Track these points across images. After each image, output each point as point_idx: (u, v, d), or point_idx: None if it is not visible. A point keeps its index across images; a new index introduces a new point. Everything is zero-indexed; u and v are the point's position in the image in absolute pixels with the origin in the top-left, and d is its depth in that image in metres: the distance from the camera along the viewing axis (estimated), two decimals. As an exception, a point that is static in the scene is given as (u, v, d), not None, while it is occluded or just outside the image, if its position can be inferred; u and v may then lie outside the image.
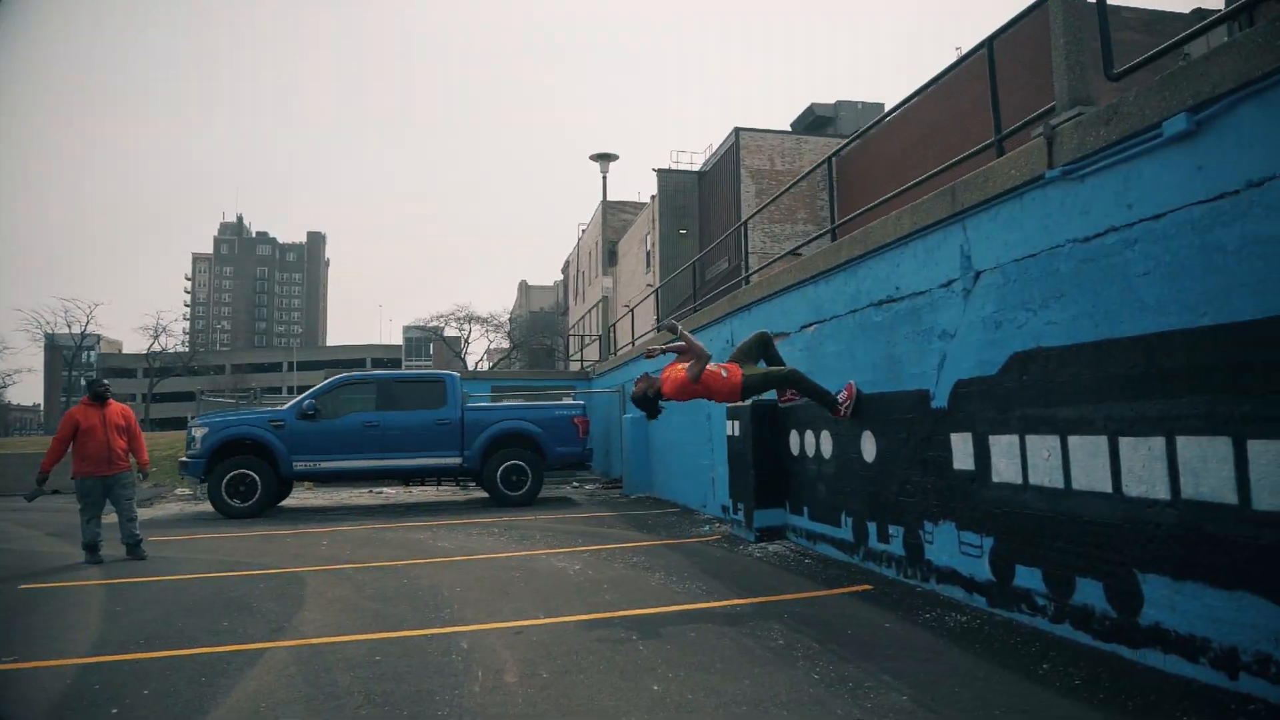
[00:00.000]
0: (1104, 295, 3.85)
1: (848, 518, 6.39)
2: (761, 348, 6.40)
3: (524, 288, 72.16)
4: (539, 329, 53.50)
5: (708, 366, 5.82)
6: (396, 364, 77.04)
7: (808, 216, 26.63)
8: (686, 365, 5.81)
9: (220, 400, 18.85)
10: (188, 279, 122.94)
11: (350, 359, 77.59)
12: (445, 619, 5.10)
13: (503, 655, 4.27)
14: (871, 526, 6.03)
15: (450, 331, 58.41)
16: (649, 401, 5.96)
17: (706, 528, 8.87)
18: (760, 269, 10.35)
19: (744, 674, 3.85)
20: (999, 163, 4.50)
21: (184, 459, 11.33)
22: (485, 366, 56.13)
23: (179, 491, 15.13)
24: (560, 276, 59.26)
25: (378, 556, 7.58)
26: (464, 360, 57.28)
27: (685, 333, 5.91)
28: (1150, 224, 3.58)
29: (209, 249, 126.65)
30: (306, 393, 11.94)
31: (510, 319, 58.39)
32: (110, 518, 7.69)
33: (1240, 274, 3.18)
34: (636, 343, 14.65)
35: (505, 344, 56.59)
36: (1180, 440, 3.47)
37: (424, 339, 72.50)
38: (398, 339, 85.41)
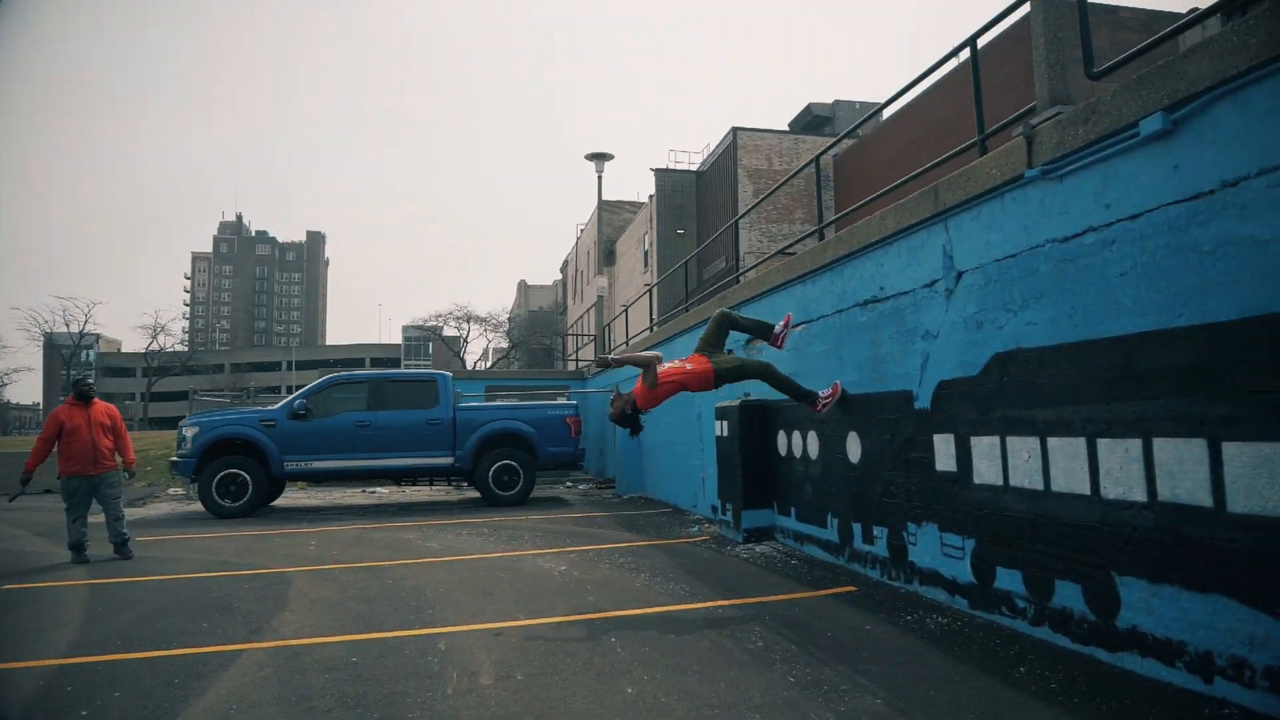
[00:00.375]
0: (1082, 296, 3.82)
1: (833, 519, 6.37)
2: (729, 325, 6.39)
3: (523, 287, 72.12)
4: (538, 328, 53.52)
5: (669, 364, 5.91)
6: (396, 363, 76.93)
7: (805, 216, 26.61)
8: (643, 381, 5.89)
9: (214, 399, 18.81)
10: (187, 278, 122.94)
11: (349, 358, 77.58)
12: (426, 620, 5.08)
13: (480, 657, 4.24)
14: (856, 528, 6.00)
15: (449, 331, 58.49)
16: (629, 418, 5.99)
17: (695, 528, 8.85)
18: (751, 268, 10.32)
19: (720, 676, 3.82)
20: (980, 162, 4.47)
21: (175, 458, 11.30)
22: (484, 366, 56.17)
23: (172, 491, 15.11)
24: (559, 276, 59.26)
25: (365, 557, 7.56)
26: (462, 360, 57.30)
27: (619, 357, 5.98)
28: (1128, 224, 3.56)
29: (208, 248, 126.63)
30: (298, 392, 11.92)
31: (509, 318, 58.47)
32: (97, 517, 7.66)
33: (1215, 275, 3.16)
34: (630, 342, 14.63)
35: (504, 344, 56.68)
36: (1157, 442, 3.45)
37: (423, 339, 72.55)
38: (397, 338, 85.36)
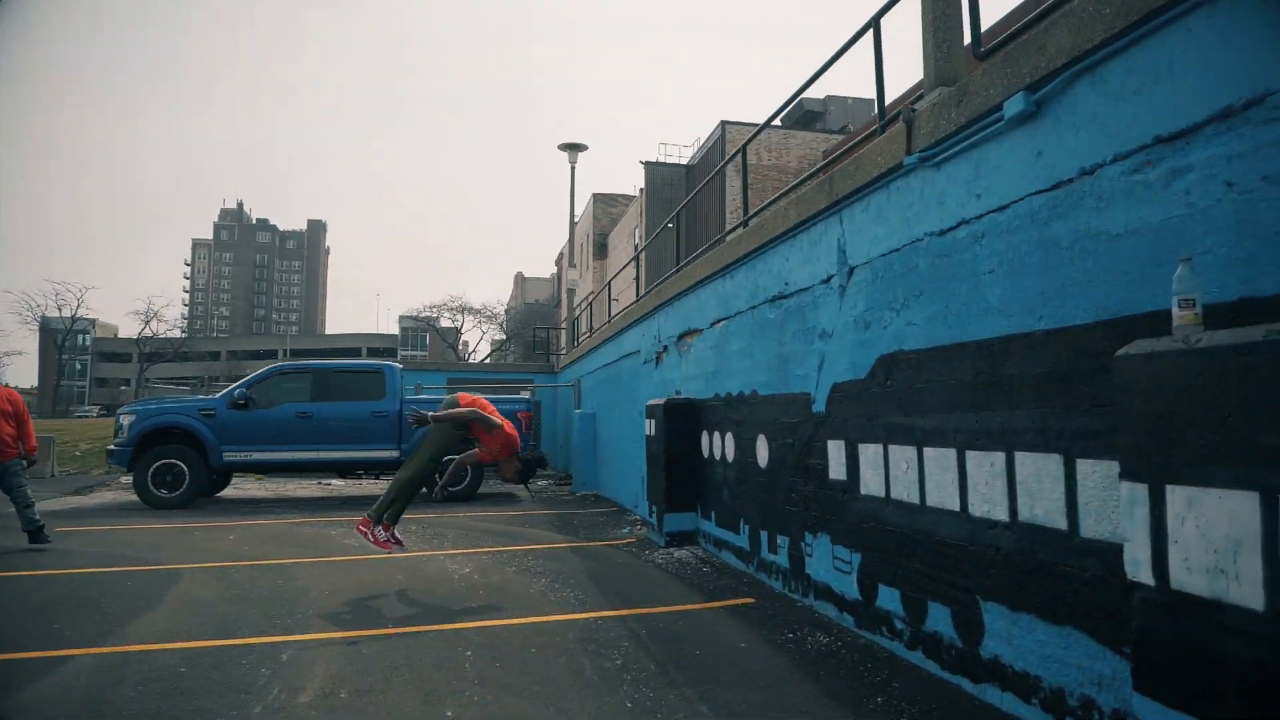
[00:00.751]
0: (956, 295, 3.51)
1: (745, 525, 6.07)
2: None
3: (520, 280, 71.99)
4: (534, 321, 53.28)
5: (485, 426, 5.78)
6: (392, 353, 76.64)
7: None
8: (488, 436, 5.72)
9: (165, 387, 18.55)
10: (187, 264, 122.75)
11: (346, 347, 77.30)
12: (289, 626, 4.79)
13: (316, 670, 3.96)
14: (764, 535, 5.71)
15: (445, 322, 58.26)
16: (526, 469, 5.83)
17: (627, 529, 8.56)
18: (687, 262, 9.99)
19: (554, 699, 3.53)
20: (868, 149, 4.16)
21: (111, 447, 11.04)
22: (479, 358, 55.93)
23: (125, 480, 14.84)
24: (555, 269, 58.92)
25: (274, 553, 7.28)
26: (456, 351, 57.11)
27: (438, 414, 5.81)
28: (996, 216, 3.25)
29: (209, 235, 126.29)
30: (239, 381, 11.64)
31: (505, 311, 58.28)
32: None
33: (1072, 273, 2.84)
34: (595, 332, 14.31)
35: (499, 335, 56.52)
36: (1018, 456, 3.14)
37: (419, 329, 72.28)
38: (395, 329, 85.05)
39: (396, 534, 6.01)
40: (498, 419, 5.78)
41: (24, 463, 7.54)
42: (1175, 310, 2.23)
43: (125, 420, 10.86)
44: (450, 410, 5.81)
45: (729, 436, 6.42)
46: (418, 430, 11.52)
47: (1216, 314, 2.28)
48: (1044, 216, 2.98)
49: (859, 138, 4.46)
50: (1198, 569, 2.04)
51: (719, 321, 6.65)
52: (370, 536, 5.68)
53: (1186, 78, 2.39)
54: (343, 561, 6.89)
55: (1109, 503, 2.70)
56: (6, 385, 7.83)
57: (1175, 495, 2.10)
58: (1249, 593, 1.91)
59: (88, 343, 74.32)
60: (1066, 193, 2.86)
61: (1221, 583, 1.99)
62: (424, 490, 6.42)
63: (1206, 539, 2.02)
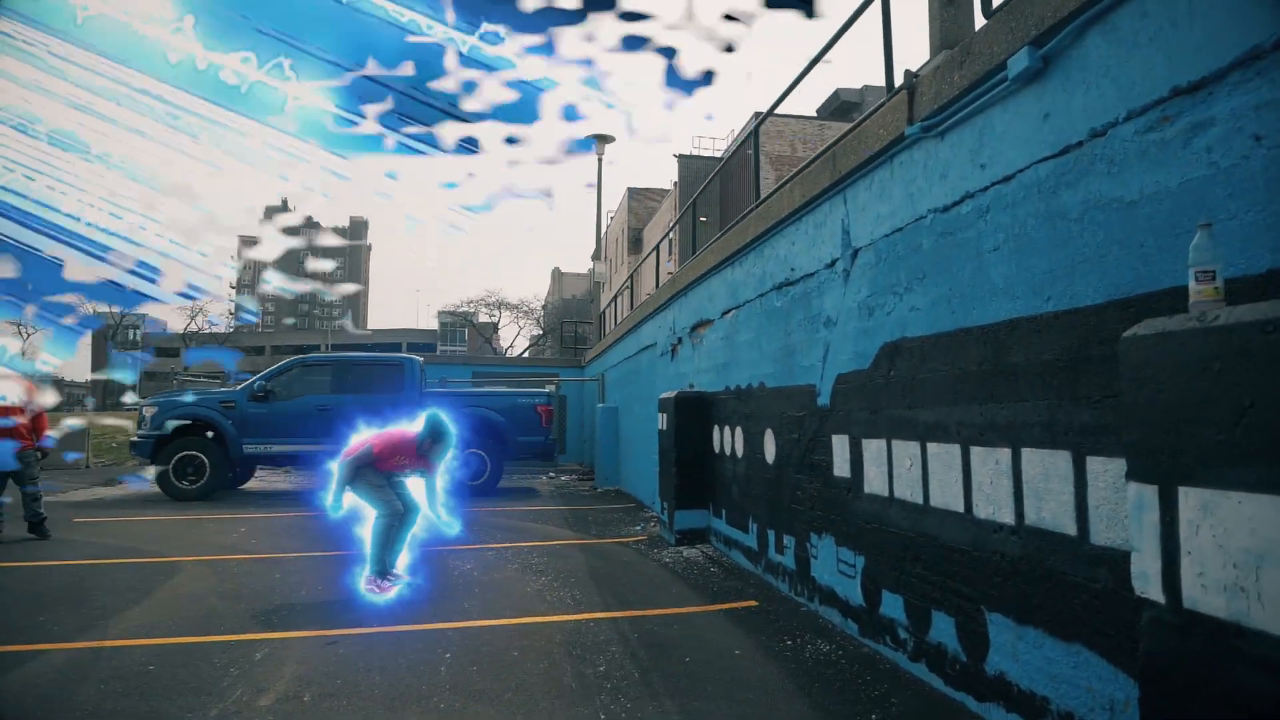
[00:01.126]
0: (960, 276, 3.21)
1: (754, 523, 5.79)
2: None
3: (557, 275, 72.04)
4: (571, 316, 53.38)
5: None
6: (431, 348, 77.29)
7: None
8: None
9: (197, 381, 18.77)
10: (233, 259, 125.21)
11: (386, 343, 78.08)
12: (272, 623, 4.66)
13: (286, 671, 3.80)
14: (771, 535, 5.43)
15: (483, 317, 58.61)
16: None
17: (640, 527, 8.32)
18: (706, 247, 9.70)
19: (524, 710, 3.32)
20: (870, 121, 3.85)
21: (134, 439, 11.11)
22: (515, 352, 56.18)
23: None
24: (591, 265, 58.86)
25: (279, 548, 7.20)
26: (493, 346, 57.42)
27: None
28: (1001, 187, 2.94)
29: (255, 231, 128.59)
30: (261, 373, 11.65)
31: (543, 306, 58.46)
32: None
33: (1082, 247, 2.53)
34: (618, 325, 14.10)
35: (536, 330, 56.74)
36: (1024, 453, 2.83)
37: (456, 324, 72.81)
38: (434, 324, 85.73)
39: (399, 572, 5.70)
40: (372, 444, 5.51)
41: (38, 454, 7.55)
42: (1192, 284, 1.92)
43: (148, 412, 10.92)
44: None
45: (738, 431, 6.14)
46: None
47: (1242, 288, 1.97)
48: (1051, 185, 2.66)
49: (869, 113, 4.15)
50: (1214, 585, 1.74)
51: (729, 311, 6.37)
52: (379, 589, 5.39)
53: (1207, 17, 2.07)
54: (342, 556, 6.75)
55: (1121, 506, 2.39)
56: (25, 376, 7.84)
57: (1188, 499, 1.80)
58: (1273, 616, 1.61)
59: (138, 337, 76.21)
60: (1075, 158, 2.55)
61: (1241, 602, 1.69)
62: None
63: (1224, 550, 1.72)
